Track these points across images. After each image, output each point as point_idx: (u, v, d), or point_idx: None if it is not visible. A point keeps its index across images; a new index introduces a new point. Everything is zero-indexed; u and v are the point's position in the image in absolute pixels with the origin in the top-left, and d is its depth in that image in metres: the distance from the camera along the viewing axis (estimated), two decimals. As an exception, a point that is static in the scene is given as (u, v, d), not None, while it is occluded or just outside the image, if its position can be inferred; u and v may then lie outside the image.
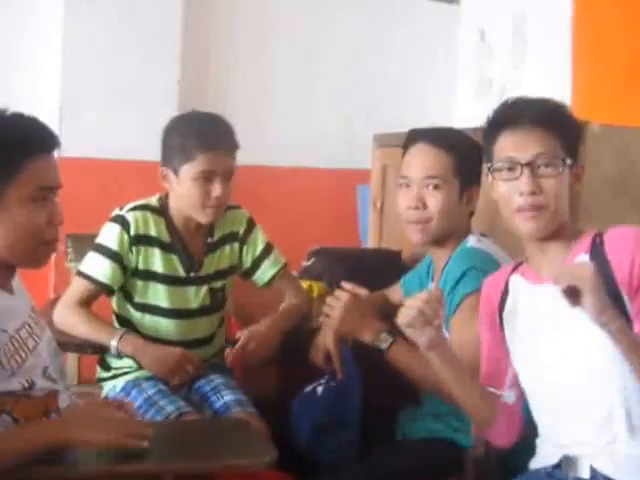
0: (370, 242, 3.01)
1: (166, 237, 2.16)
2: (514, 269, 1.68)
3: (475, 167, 1.89)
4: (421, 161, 1.93)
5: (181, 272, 2.16)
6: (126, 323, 2.15)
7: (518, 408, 1.66)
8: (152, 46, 3.43)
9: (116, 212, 2.14)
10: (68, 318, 2.09)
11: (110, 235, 2.10)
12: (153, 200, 2.18)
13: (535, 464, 1.62)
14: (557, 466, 1.56)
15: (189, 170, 2.08)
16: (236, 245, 2.27)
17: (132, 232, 2.10)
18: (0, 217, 1.49)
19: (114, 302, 2.17)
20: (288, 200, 3.14)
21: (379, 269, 2.48)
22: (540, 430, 1.63)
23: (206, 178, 2.08)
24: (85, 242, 2.42)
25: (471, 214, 1.97)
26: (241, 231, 2.27)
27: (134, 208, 2.14)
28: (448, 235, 1.92)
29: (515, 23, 3.11)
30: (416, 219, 1.91)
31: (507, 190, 1.57)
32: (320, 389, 1.97)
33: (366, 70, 3.52)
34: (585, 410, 1.52)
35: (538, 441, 1.63)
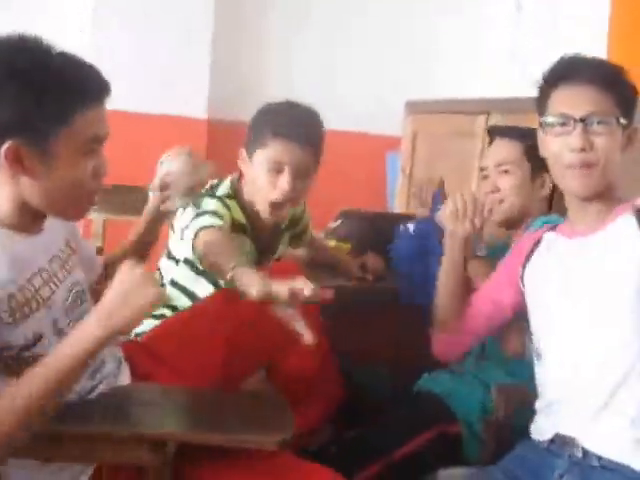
0: (397, 208, 3.02)
1: (246, 222, 2.08)
2: (551, 228, 1.69)
3: None
4: (494, 152, 2.10)
5: (256, 257, 2.11)
6: (190, 295, 2.05)
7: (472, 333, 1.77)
8: (185, 21, 3.39)
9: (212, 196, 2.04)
10: None
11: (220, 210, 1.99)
12: (227, 186, 2.10)
13: (534, 433, 1.62)
14: (552, 441, 1.56)
15: (260, 156, 2.01)
16: (297, 228, 2.32)
17: (230, 218, 2.01)
18: (46, 171, 1.35)
19: (176, 272, 2.04)
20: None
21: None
22: (540, 399, 1.62)
23: (276, 169, 2.00)
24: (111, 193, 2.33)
25: (549, 199, 2.06)
26: (299, 214, 2.30)
27: (227, 196, 2.06)
28: (520, 217, 2.03)
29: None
30: (490, 202, 1.99)
31: (558, 146, 1.57)
32: (411, 226, 2.34)
33: (400, 36, 3.49)
34: (590, 382, 1.51)
35: (536, 407, 1.62)
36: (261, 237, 2.12)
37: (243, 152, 2.08)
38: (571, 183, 1.57)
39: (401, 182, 2.98)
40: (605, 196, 1.57)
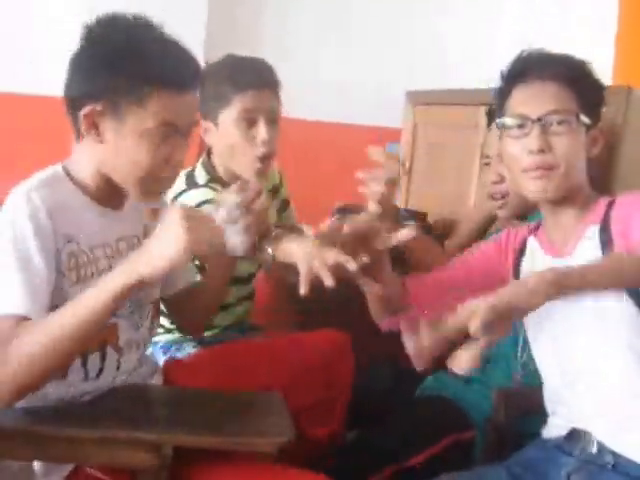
0: (396, 203, 2.98)
1: None
2: (534, 229, 1.62)
3: None
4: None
5: None
6: None
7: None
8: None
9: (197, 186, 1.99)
10: None
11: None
12: (202, 172, 2.03)
13: (546, 433, 1.59)
14: (567, 437, 1.52)
15: (228, 115, 1.94)
16: (277, 199, 2.23)
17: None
18: (116, 139, 1.42)
19: None
20: (315, 154, 3.11)
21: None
22: (549, 400, 1.59)
23: (248, 120, 1.94)
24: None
25: None
26: (278, 184, 2.22)
27: (210, 181, 2.00)
28: (527, 207, 1.92)
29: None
30: (496, 193, 2.00)
31: (516, 149, 1.49)
32: None
33: (402, 25, 3.46)
34: (597, 384, 1.48)
35: (549, 410, 1.60)
36: None
37: (204, 123, 1.99)
38: (530, 186, 1.48)
39: (401, 176, 2.95)
40: (575, 201, 1.51)
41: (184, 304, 1.72)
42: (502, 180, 1.95)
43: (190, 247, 1.27)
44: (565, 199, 1.50)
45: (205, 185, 2.00)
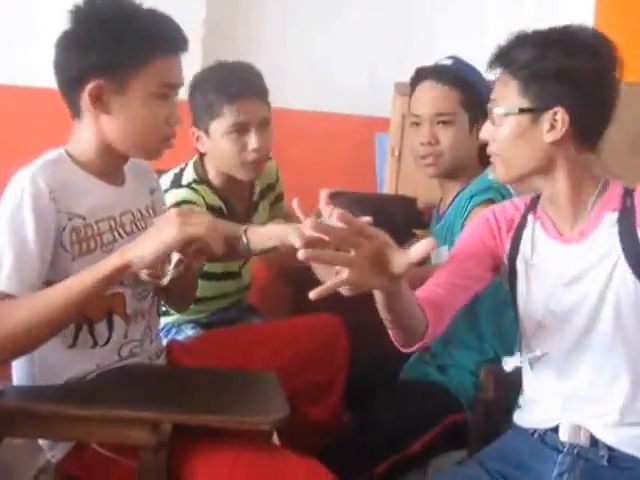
0: (386, 190, 3.02)
1: (221, 204, 2.07)
2: (531, 207, 1.59)
3: (483, 100, 1.86)
4: (429, 98, 1.98)
5: None
6: None
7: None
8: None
9: (179, 186, 2.02)
10: None
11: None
12: (191, 172, 2.06)
13: (526, 423, 1.58)
14: (555, 430, 1.51)
15: (219, 126, 1.99)
16: (272, 195, 2.29)
17: (204, 203, 2.00)
18: (122, 108, 1.52)
19: None
20: (307, 143, 3.13)
21: (395, 214, 2.50)
22: (536, 389, 1.58)
23: (239, 131, 1.99)
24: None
25: (483, 147, 1.94)
26: (274, 182, 2.28)
27: (194, 182, 2.03)
28: (459, 168, 1.98)
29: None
30: (428, 154, 1.98)
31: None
32: None
33: (393, 16, 3.48)
34: (592, 376, 1.48)
35: (532, 397, 1.59)
36: (236, 215, 2.10)
37: (195, 131, 2.04)
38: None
39: (390, 165, 2.98)
40: (576, 188, 1.48)
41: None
42: (436, 142, 1.96)
43: (179, 238, 1.37)
44: (568, 187, 1.48)
45: (187, 186, 2.03)
